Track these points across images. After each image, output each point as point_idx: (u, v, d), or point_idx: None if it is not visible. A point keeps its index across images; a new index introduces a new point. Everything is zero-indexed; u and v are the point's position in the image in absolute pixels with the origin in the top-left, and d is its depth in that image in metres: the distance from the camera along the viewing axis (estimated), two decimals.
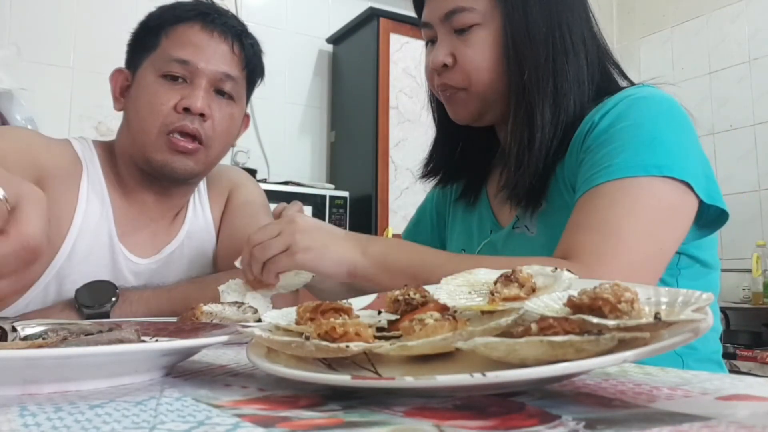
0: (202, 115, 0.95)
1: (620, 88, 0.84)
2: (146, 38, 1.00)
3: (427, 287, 0.49)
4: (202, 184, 1.13)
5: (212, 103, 0.97)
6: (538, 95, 0.79)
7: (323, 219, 2.46)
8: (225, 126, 0.99)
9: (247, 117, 1.12)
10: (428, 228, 1.07)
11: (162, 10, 1.01)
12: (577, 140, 0.78)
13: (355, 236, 0.78)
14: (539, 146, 0.79)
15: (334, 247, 0.72)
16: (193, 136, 0.95)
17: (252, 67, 1.05)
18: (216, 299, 0.76)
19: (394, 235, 2.58)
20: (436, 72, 0.85)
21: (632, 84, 0.87)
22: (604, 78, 0.85)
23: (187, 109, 0.94)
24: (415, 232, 1.09)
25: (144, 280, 0.99)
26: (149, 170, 0.97)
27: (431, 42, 0.88)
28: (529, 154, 0.79)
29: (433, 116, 0.98)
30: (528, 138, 0.79)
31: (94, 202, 0.97)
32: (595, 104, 0.81)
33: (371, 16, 2.67)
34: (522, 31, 0.80)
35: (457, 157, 0.96)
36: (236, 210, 1.12)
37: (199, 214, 1.10)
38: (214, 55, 0.97)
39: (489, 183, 0.97)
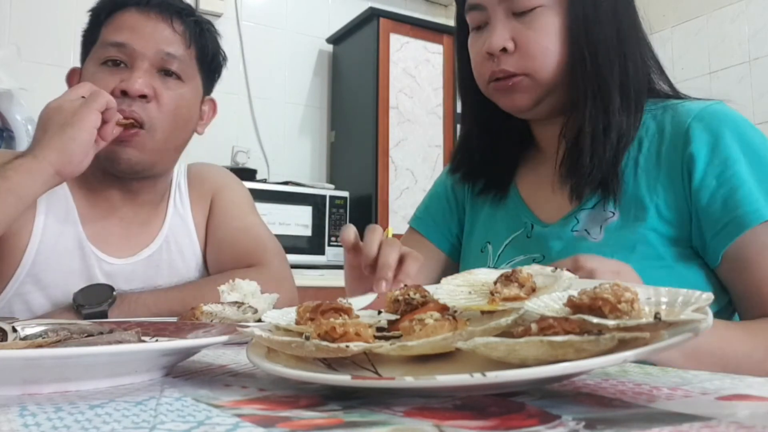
0: (144, 96, 0.91)
1: (661, 88, 0.83)
2: (90, 32, 0.98)
3: (427, 287, 0.49)
4: (184, 187, 1.10)
5: (155, 83, 0.93)
6: (611, 78, 0.76)
7: (323, 219, 2.46)
8: (173, 106, 0.95)
9: (213, 103, 1.09)
10: (443, 211, 1.02)
11: (101, 2, 0.99)
12: (661, 160, 0.76)
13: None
14: (616, 132, 0.76)
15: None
16: (132, 123, 0.91)
17: (201, 45, 1.00)
18: (215, 300, 0.75)
19: (394, 236, 2.57)
20: (492, 57, 0.79)
21: (666, 78, 0.85)
22: (645, 67, 0.83)
23: (125, 93, 0.90)
24: (426, 216, 1.04)
25: (121, 283, 0.96)
26: (105, 166, 0.95)
27: (477, 28, 0.83)
28: (605, 140, 0.76)
29: (464, 109, 0.93)
30: (604, 123, 0.76)
31: (55, 205, 0.95)
32: (653, 106, 0.80)
33: (371, 16, 2.67)
34: (591, 12, 0.77)
35: (487, 152, 0.92)
36: (223, 213, 1.09)
37: (180, 218, 1.07)
38: (152, 35, 0.94)
39: (520, 179, 0.94)
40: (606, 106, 0.77)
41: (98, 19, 0.97)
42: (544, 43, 0.77)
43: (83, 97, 0.85)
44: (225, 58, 1.08)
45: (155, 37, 0.94)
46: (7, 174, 0.78)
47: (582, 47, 0.77)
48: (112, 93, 0.90)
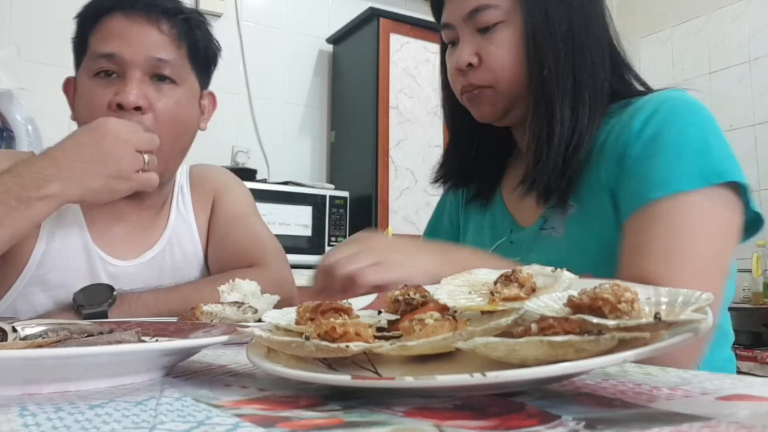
0: (138, 108, 0.90)
1: (634, 89, 0.84)
2: (79, 40, 0.97)
3: (427, 287, 0.49)
4: (186, 188, 1.10)
5: (150, 92, 0.92)
6: (557, 91, 0.79)
7: (323, 219, 2.46)
8: (170, 113, 0.93)
9: (212, 96, 1.07)
10: (447, 229, 1.06)
11: (85, 7, 0.96)
12: (613, 145, 0.77)
13: (434, 245, 0.79)
14: (558, 141, 0.79)
15: (420, 258, 0.70)
16: None
17: (192, 43, 0.98)
18: (215, 300, 0.75)
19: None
20: (460, 72, 0.84)
21: (645, 85, 0.86)
22: (617, 77, 0.85)
23: (121, 105, 0.89)
24: (431, 236, 1.09)
25: (125, 284, 0.96)
26: None
27: (452, 44, 0.88)
28: (548, 149, 0.79)
29: (446, 121, 0.97)
30: (547, 133, 0.79)
31: (61, 209, 0.92)
32: (617, 105, 0.81)
33: (371, 16, 2.67)
34: (543, 27, 0.80)
35: (471, 160, 0.96)
36: (225, 214, 1.10)
37: (182, 220, 1.07)
38: (140, 42, 0.91)
39: (503, 184, 0.97)
40: (550, 117, 0.79)
41: (85, 27, 0.96)
42: (505, 57, 0.81)
43: (140, 152, 0.85)
44: (219, 49, 1.05)
45: (143, 43, 0.92)
46: (32, 203, 0.79)
47: (532, 61, 0.80)
48: (108, 107, 0.90)
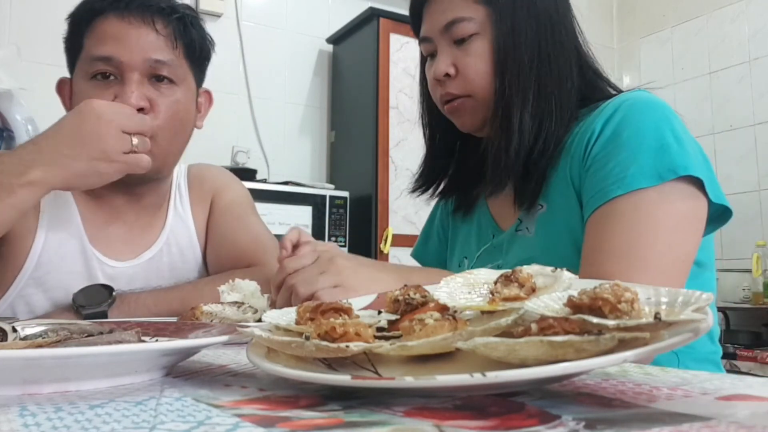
0: (141, 109, 0.89)
1: (606, 94, 0.86)
2: (72, 41, 0.97)
3: (427, 287, 0.49)
4: (184, 188, 1.10)
5: (150, 93, 0.92)
6: (516, 99, 0.81)
7: (323, 219, 2.46)
8: (170, 113, 0.94)
9: (208, 94, 1.07)
10: (436, 244, 1.08)
11: (78, 8, 0.96)
12: (578, 146, 0.79)
13: (393, 267, 0.83)
14: (516, 148, 0.81)
15: (380, 283, 0.74)
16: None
17: (188, 42, 0.97)
18: (215, 300, 0.76)
19: (394, 236, 2.58)
20: (438, 83, 0.87)
21: (617, 89, 0.88)
22: (586, 84, 0.87)
23: None
24: (424, 250, 1.11)
25: (122, 286, 0.96)
26: None
27: (431, 56, 0.90)
28: (505, 156, 0.82)
29: (424, 132, 0.99)
30: (505, 141, 0.82)
31: (58, 209, 0.94)
32: (586, 110, 0.83)
33: (371, 16, 2.67)
34: (509, 39, 0.82)
35: (451, 172, 0.98)
36: (223, 213, 1.10)
37: (180, 220, 1.07)
38: (137, 44, 0.91)
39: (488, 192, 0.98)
40: (506, 126, 0.82)
41: (78, 28, 0.95)
42: (480, 67, 0.84)
43: (128, 133, 0.82)
44: (212, 44, 1.05)
45: (140, 45, 0.91)
46: (14, 189, 0.78)
47: (498, 72, 0.83)
48: None
